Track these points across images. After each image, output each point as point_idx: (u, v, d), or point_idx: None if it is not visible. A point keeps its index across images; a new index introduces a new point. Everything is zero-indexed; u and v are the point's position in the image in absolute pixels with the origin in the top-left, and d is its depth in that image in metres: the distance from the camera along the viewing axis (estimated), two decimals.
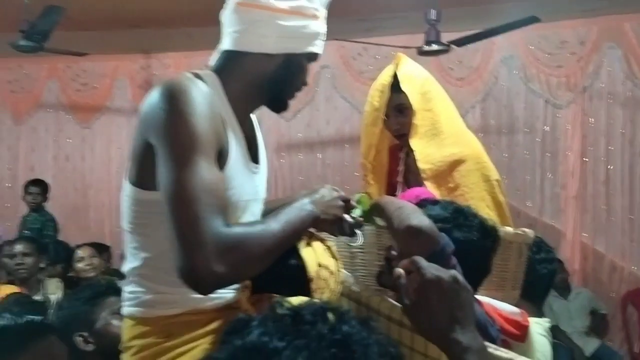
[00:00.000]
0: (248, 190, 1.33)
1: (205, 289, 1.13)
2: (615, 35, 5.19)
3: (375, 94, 1.93)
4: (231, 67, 1.32)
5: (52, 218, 5.54)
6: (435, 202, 1.49)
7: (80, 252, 3.91)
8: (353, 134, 5.88)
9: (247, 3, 1.29)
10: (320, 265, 1.31)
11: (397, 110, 1.92)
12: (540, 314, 2.03)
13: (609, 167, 5.31)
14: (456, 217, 1.46)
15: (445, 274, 0.96)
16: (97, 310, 1.89)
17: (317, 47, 1.35)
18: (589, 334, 4.96)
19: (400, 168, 1.94)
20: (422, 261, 0.97)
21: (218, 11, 1.40)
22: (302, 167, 6.09)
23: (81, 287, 2.06)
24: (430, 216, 1.38)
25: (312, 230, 1.38)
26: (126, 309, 1.35)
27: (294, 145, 6.11)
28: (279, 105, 1.40)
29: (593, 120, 5.34)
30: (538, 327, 1.87)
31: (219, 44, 1.40)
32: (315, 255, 1.32)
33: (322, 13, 1.34)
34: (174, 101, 1.17)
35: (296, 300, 1.19)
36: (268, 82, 1.32)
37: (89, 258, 3.85)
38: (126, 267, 1.35)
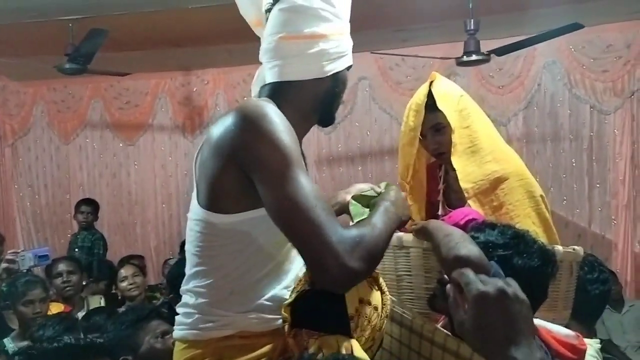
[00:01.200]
0: None
1: (345, 286, 1.20)
2: None
3: (411, 114, 1.90)
4: (283, 96, 1.36)
5: (102, 236, 5.67)
6: (492, 226, 1.43)
7: (123, 272, 3.96)
8: (393, 145, 5.83)
9: (290, 36, 1.34)
10: (362, 301, 1.26)
11: (435, 129, 1.88)
12: (590, 335, 1.95)
13: None
14: (517, 243, 1.38)
15: (492, 287, 0.90)
16: (141, 334, 1.91)
17: (351, 59, 1.43)
18: None
19: (440, 187, 1.90)
20: (468, 275, 0.93)
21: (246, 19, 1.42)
22: (342, 180, 6.06)
23: (124, 311, 2.08)
24: (488, 241, 1.33)
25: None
26: (178, 332, 1.38)
27: (334, 158, 6.10)
28: (328, 120, 1.46)
29: None
30: (589, 348, 1.79)
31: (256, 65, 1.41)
32: (357, 290, 1.26)
33: (349, 27, 1.41)
34: (259, 122, 1.21)
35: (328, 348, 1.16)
36: (321, 102, 1.39)
37: (131, 277, 3.90)
38: (184, 287, 1.38)
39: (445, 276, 1.33)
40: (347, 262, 1.13)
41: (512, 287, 0.92)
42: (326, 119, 1.45)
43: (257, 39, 1.44)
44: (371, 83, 5.78)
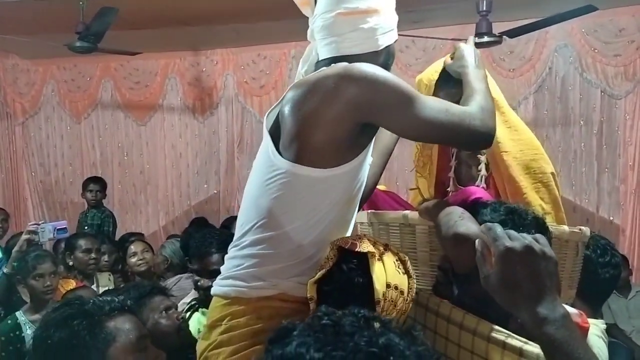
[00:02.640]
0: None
1: (490, 138, 1.48)
2: None
3: (423, 89, 1.89)
4: None
5: (111, 214, 5.72)
6: (484, 205, 1.44)
7: (133, 248, 4.01)
8: None
9: (347, 12, 1.42)
10: (389, 286, 1.28)
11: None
12: (596, 316, 1.96)
13: None
14: (512, 218, 1.40)
15: (519, 244, 0.92)
16: (144, 311, 1.93)
17: (396, 31, 1.52)
18: None
19: (451, 163, 1.90)
20: (496, 231, 0.94)
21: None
22: None
23: (126, 289, 2.09)
24: (485, 222, 1.34)
25: (387, 243, 1.41)
26: (220, 289, 1.44)
27: None
28: None
29: None
30: (594, 328, 1.80)
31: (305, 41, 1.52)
32: (385, 273, 1.29)
33: (394, 1, 1.52)
34: (372, 75, 1.34)
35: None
36: None
37: (141, 253, 3.95)
38: (238, 242, 1.45)
39: (447, 263, 1.36)
40: (489, 123, 1.45)
41: (540, 243, 0.94)
42: None
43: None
44: None
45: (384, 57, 1.48)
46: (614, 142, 5.25)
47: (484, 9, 3.97)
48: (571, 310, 1.62)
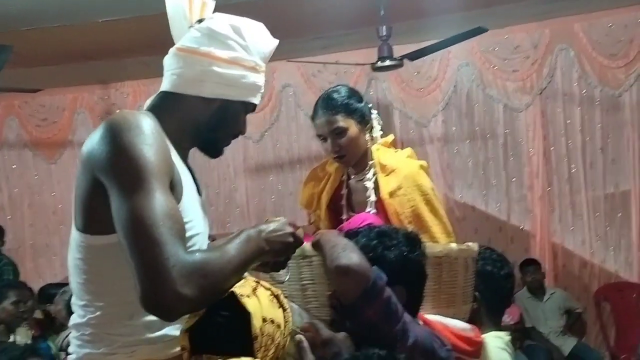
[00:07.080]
0: (202, 223, 1.34)
1: (173, 314, 1.10)
2: (567, 36, 5.30)
3: None
4: (168, 107, 1.34)
5: (11, 262, 5.32)
6: (355, 233, 1.49)
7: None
8: (319, 150, 5.87)
9: (186, 49, 1.33)
10: (265, 320, 1.26)
11: (335, 133, 1.92)
12: (499, 327, 2.03)
13: (571, 165, 5.39)
14: (382, 241, 1.47)
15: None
16: None
17: (255, 97, 1.38)
18: (565, 333, 5.00)
19: (343, 191, 1.94)
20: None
21: (173, 40, 1.43)
22: (273, 188, 6.07)
23: None
24: (361, 248, 1.37)
25: (258, 278, 1.37)
26: None
27: (264, 167, 6.09)
28: (212, 150, 1.42)
29: (552, 121, 5.43)
30: (499, 341, 1.87)
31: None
32: (261, 308, 1.26)
33: (262, 67, 1.38)
34: (120, 133, 1.15)
35: None
36: (204, 125, 1.36)
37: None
38: (73, 322, 1.29)
39: (334, 299, 1.39)
40: (179, 288, 1.04)
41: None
42: (208, 148, 1.41)
43: None
44: (295, 90, 5.81)
45: (218, 111, 1.34)
46: (519, 153, 5.53)
47: (384, 34, 4.10)
48: (465, 325, 1.69)
